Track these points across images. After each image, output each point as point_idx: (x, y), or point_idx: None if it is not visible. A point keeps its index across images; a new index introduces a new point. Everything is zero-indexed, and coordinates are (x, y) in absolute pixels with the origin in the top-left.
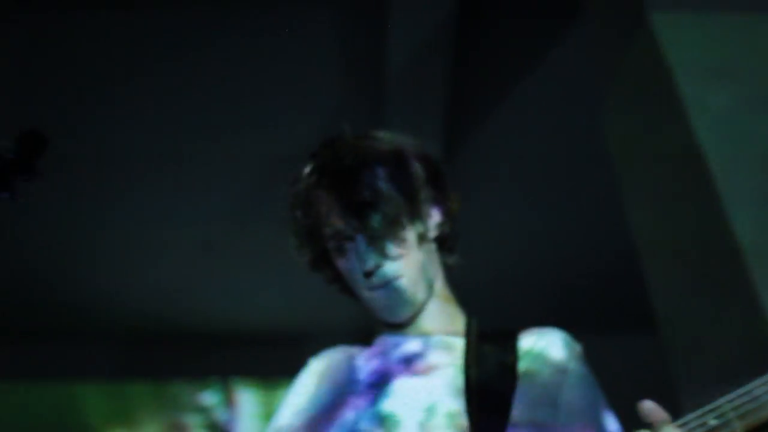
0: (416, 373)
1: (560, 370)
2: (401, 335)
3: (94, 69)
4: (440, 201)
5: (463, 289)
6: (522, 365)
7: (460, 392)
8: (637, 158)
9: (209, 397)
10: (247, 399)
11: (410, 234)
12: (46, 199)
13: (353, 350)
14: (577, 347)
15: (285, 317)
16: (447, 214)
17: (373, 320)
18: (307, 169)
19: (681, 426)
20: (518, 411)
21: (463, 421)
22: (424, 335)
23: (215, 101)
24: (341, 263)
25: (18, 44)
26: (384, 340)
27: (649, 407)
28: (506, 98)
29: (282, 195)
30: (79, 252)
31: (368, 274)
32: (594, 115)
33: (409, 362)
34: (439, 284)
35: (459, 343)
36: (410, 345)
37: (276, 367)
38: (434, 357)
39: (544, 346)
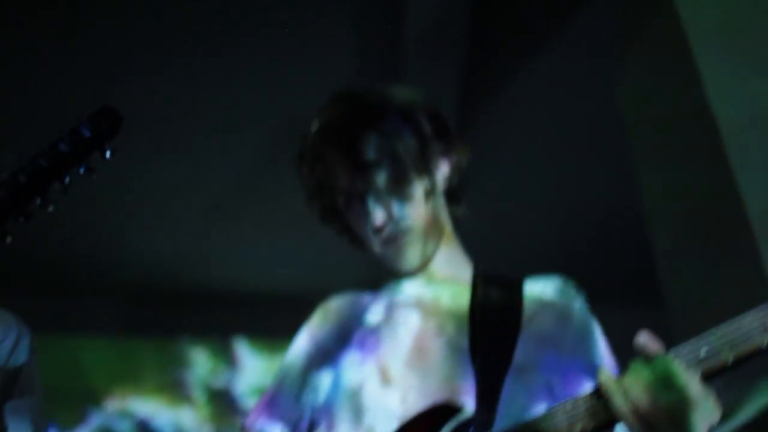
0: (422, 311)
1: (564, 316)
2: (410, 281)
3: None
4: (448, 154)
5: (472, 252)
6: (527, 310)
7: (465, 330)
8: (652, 126)
9: (211, 356)
10: (248, 359)
11: (417, 189)
12: None
13: (362, 295)
14: (582, 295)
15: (289, 278)
16: (455, 167)
17: (381, 274)
18: (314, 126)
19: (674, 357)
20: (521, 353)
21: (465, 351)
22: (433, 280)
23: (229, 65)
24: (351, 218)
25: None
26: (392, 285)
27: (644, 340)
28: (523, 64)
29: (291, 158)
30: (84, 209)
31: (377, 231)
32: (610, 83)
33: (415, 301)
34: (447, 234)
35: (466, 288)
36: (417, 287)
37: (279, 328)
38: (441, 298)
39: (550, 293)
